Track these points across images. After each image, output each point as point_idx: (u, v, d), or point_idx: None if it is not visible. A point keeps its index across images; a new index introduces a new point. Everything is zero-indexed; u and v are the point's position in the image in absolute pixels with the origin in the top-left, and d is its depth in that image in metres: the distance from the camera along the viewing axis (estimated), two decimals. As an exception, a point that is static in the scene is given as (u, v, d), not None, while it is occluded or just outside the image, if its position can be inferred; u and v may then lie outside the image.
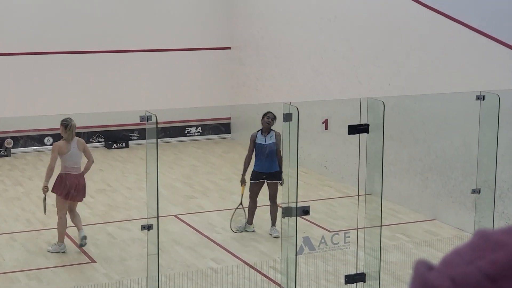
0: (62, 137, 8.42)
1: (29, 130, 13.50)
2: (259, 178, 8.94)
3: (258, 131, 8.97)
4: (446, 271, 0.73)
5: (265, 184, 9.03)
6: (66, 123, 8.38)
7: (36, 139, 13.60)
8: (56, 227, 8.48)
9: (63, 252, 8.43)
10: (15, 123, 13.30)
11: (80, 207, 10.25)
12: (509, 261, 0.70)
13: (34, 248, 8.64)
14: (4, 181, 11.66)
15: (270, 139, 8.91)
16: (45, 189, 8.40)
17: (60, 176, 8.38)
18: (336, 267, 8.15)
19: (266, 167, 8.89)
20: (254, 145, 8.93)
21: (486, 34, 9.15)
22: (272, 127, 8.95)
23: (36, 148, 13.54)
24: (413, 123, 10.13)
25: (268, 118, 8.90)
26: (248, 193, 9.05)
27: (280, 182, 8.70)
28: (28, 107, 13.32)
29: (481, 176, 8.03)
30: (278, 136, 8.75)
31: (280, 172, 8.70)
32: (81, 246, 8.43)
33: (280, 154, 8.59)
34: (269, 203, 9.16)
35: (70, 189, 8.33)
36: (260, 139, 8.92)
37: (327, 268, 8.14)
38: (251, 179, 8.95)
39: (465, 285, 0.71)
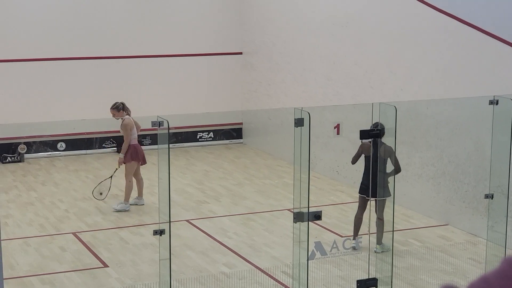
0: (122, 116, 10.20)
1: (42, 136, 13.58)
2: None
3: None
4: None
5: (363, 199, 8.73)
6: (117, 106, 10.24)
7: (49, 145, 13.68)
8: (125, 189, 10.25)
9: (127, 211, 10.14)
10: (29, 128, 13.40)
11: (92, 212, 10.31)
12: None
13: (47, 252, 8.69)
14: (18, 186, 11.74)
15: None
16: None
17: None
18: (348, 272, 8.13)
19: None
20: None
21: (499, 38, 9.11)
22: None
23: (50, 154, 13.62)
24: (425, 128, 10.10)
25: None
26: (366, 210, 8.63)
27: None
28: (41, 112, 13.41)
29: (494, 181, 7.99)
30: None
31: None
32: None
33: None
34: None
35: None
36: None
37: (339, 273, 8.12)
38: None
39: None
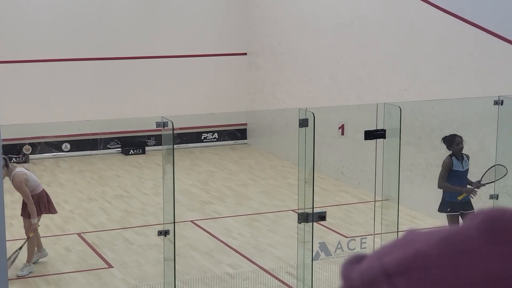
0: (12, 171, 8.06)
1: (47, 137, 13.60)
2: (456, 209, 8.00)
3: (451, 156, 7.93)
4: (361, 265, 0.74)
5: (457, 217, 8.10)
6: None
7: (54, 145, 13.70)
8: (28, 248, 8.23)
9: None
10: (33, 129, 13.42)
11: (97, 213, 10.32)
12: (407, 258, 0.70)
13: (52, 253, 8.70)
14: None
15: (466, 165, 8.00)
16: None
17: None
18: (353, 273, 8.11)
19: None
20: (448, 172, 7.94)
21: (504, 38, 9.09)
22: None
23: (54, 154, 13.64)
24: (430, 128, 10.09)
25: (459, 143, 7.98)
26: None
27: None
28: (46, 113, 13.43)
29: (499, 181, 7.97)
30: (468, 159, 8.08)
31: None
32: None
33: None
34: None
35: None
36: (457, 166, 7.94)
37: (344, 274, 8.10)
38: (448, 211, 7.99)
39: (367, 279, 0.72)
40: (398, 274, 0.70)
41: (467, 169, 8.00)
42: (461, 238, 0.70)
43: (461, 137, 8.03)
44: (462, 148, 7.97)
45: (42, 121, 13.38)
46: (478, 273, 0.66)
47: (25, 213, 8.28)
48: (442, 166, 7.94)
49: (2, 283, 5.33)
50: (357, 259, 0.75)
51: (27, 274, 8.11)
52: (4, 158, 7.79)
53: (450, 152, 7.95)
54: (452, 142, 7.98)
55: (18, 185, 8.00)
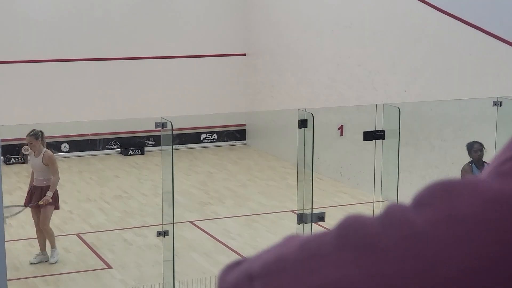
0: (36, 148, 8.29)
1: (46, 137, 13.57)
2: None
3: (471, 164, 7.77)
4: (238, 269, 0.74)
5: None
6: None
7: (52, 146, 13.67)
8: (42, 238, 8.35)
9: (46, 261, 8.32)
10: (32, 129, 13.40)
11: (96, 213, 10.32)
12: (269, 261, 0.71)
13: (51, 253, 8.70)
14: (22, 187, 11.76)
15: None
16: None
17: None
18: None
19: None
20: None
21: (503, 39, 9.11)
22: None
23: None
24: (429, 129, 10.10)
25: (477, 151, 7.74)
26: None
27: None
28: (45, 113, 13.43)
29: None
30: None
31: None
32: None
33: None
34: None
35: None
36: (476, 174, 7.95)
37: (343, 275, 8.11)
38: None
39: (234, 282, 0.73)
40: (258, 278, 0.70)
41: None
42: (317, 244, 0.70)
43: (480, 144, 7.84)
44: (480, 155, 7.77)
45: (41, 121, 13.37)
46: (320, 279, 0.67)
47: (31, 200, 8.36)
48: (461, 174, 7.80)
49: (1, 283, 5.33)
50: (236, 263, 0.76)
51: (57, 261, 8.21)
52: (41, 131, 8.33)
53: (471, 159, 7.81)
54: (471, 149, 7.83)
55: (52, 158, 8.25)
